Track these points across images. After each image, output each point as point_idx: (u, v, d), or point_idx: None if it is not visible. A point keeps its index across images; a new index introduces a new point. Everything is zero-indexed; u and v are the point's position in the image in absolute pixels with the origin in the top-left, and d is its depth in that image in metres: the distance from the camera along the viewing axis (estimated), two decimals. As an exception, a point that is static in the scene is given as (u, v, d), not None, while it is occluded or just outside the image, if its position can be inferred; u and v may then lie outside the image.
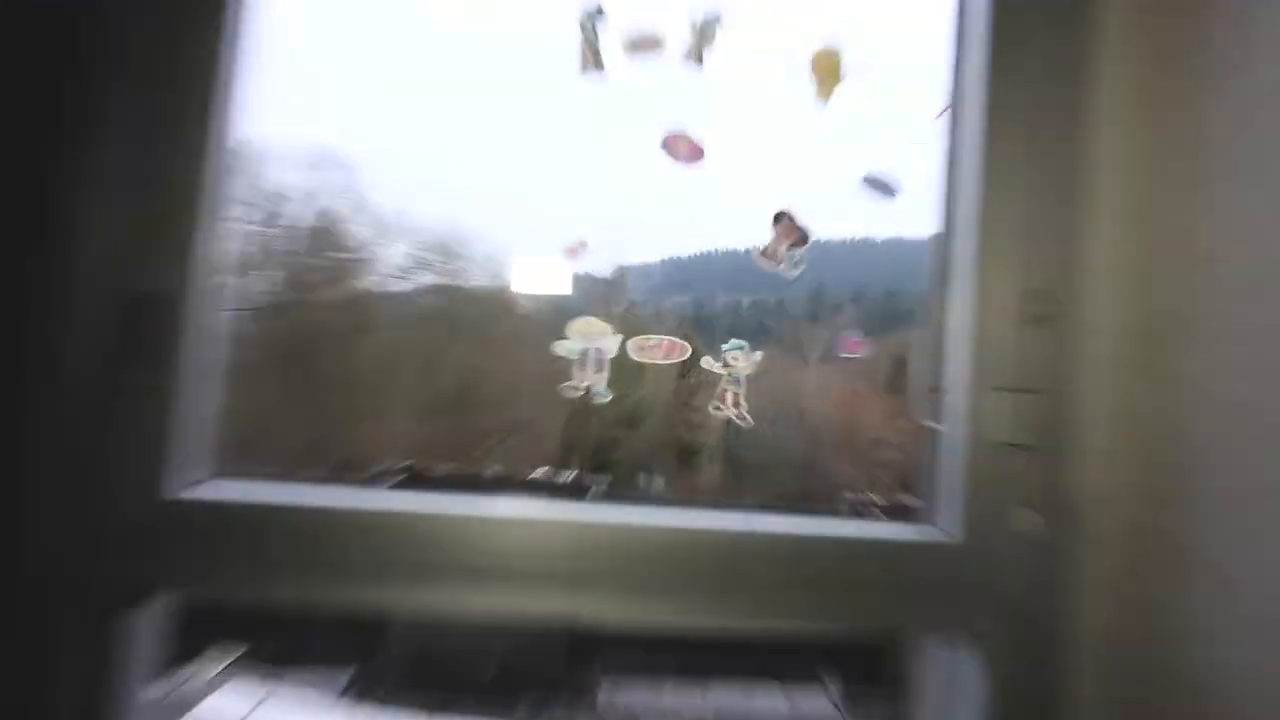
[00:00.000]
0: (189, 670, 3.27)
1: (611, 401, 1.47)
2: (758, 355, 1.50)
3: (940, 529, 1.42)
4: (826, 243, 1.52)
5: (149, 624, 1.39)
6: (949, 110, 1.53)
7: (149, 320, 1.32)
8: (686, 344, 1.50)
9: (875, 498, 3.50)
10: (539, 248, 1.63)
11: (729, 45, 1.48)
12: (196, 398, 1.37)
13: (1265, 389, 1.15)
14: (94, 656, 1.32)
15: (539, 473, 3.34)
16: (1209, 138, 1.29)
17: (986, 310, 1.43)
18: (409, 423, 4.08)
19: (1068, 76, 1.43)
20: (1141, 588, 1.30)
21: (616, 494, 3.37)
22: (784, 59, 1.50)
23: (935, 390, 1.52)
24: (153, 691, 1.36)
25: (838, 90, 1.49)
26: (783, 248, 1.48)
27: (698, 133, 1.48)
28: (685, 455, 4.57)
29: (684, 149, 1.46)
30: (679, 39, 1.48)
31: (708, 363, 1.51)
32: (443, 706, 3.51)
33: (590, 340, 1.46)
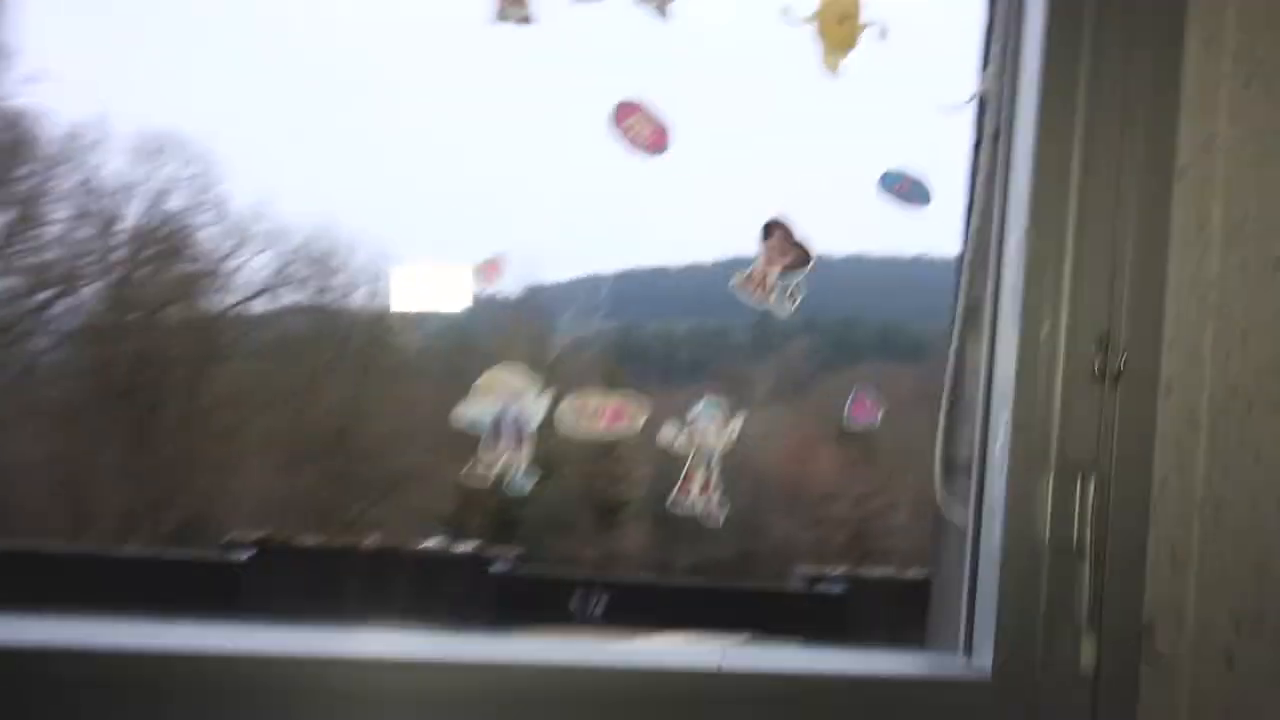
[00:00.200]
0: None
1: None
2: (737, 422, 1.24)
3: (966, 661, 1.29)
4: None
5: None
6: (980, 99, 1.32)
7: None
8: (641, 405, 1.23)
9: (832, 570, 3.32)
10: (435, 254, 1.37)
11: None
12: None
13: None
14: None
15: (431, 542, 3.04)
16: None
17: (1034, 362, 1.24)
18: (269, 475, 3.72)
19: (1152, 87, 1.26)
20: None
21: (529, 570, 3.08)
22: (780, 10, 1.24)
23: (953, 468, 1.34)
24: None
25: (849, 56, 1.25)
26: (774, 272, 1.23)
27: (659, 109, 1.21)
28: (607, 513, 4.31)
29: (642, 131, 1.19)
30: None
31: (669, 437, 1.24)
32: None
33: (507, 402, 1.18)
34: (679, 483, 1.23)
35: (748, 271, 1.24)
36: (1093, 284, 1.24)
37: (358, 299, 3.78)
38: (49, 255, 3.56)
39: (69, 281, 3.75)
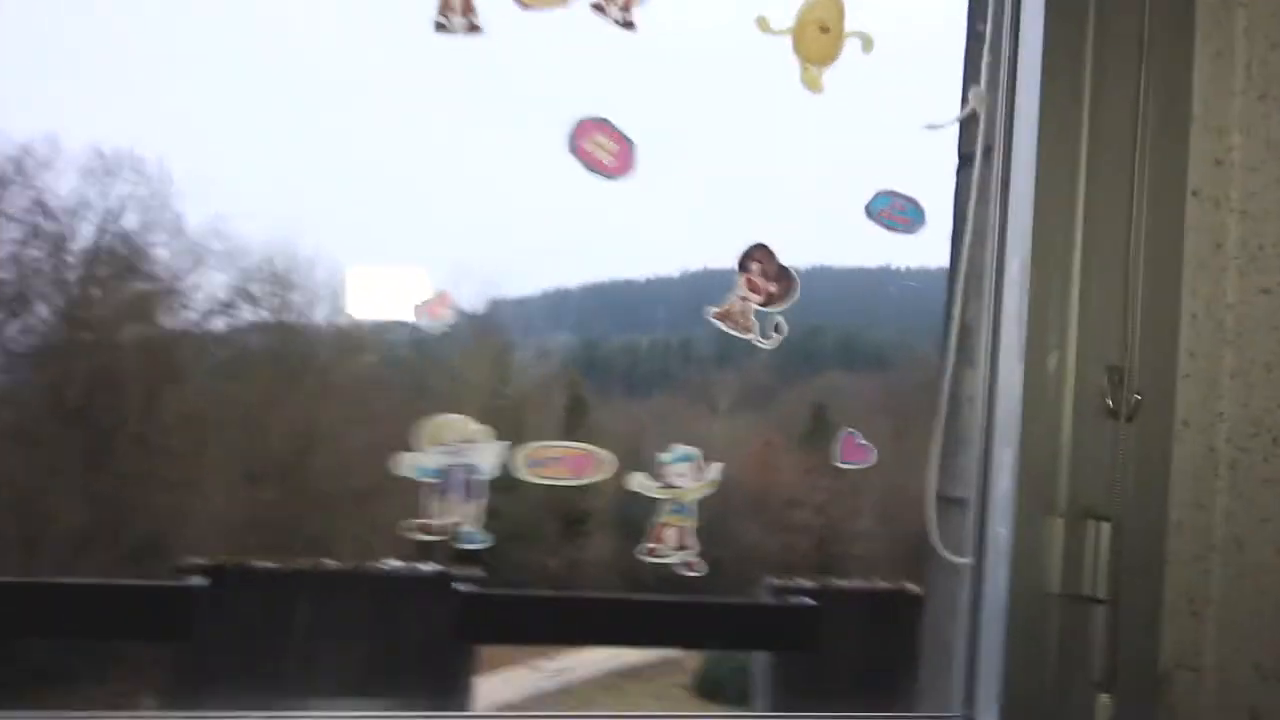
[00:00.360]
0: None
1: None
2: (715, 469, 1.08)
3: (967, 721, 1.14)
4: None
5: None
6: (974, 113, 1.18)
7: None
8: (607, 456, 1.06)
9: (802, 582, 3.16)
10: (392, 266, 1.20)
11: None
12: None
13: None
14: None
15: (391, 565, 2.85)
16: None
17: (1040, 396, 1.11)
18: (227, 497, 3.51)
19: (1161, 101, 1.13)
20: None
21: (493, 588, 2.90)
22: (755, 24, 1.09)
23: (949, 502, 1.20)
24: None
25: (829, 71, 1.10)
26: (753, 304, 1.07)
27: (623, 128, 1.04)
28: (570, 523, 4.14)
29: (605, 153, 1.02)
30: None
31: (639, 484, 1.07)
32: None
33: (456, 453, 1.01)
34: (650, 533, 1.07)
35: (724, 305, 1.08)
36: (1102, 312, 1.13)
37: (318, 315, 3.57)
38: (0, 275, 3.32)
39: (20, 302, 3.51)
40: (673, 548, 1.08)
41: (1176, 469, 1.11)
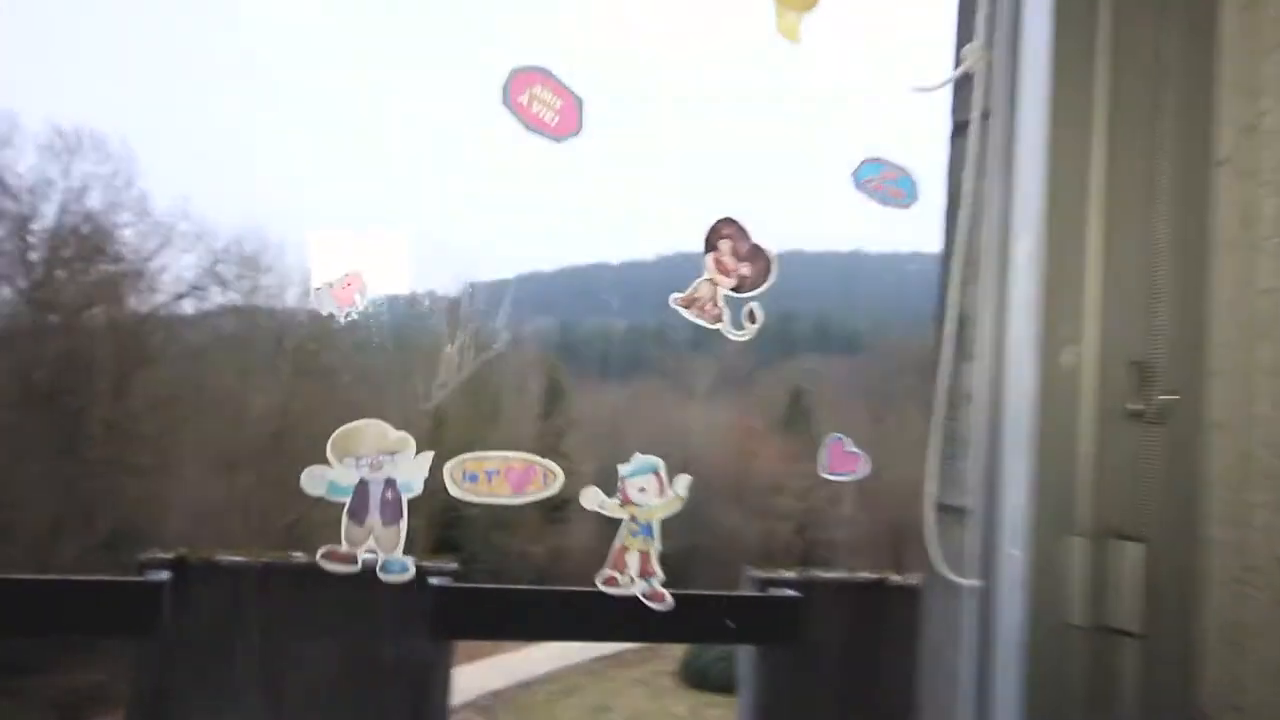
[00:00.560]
0: None
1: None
2: (682, 483, 0.90)
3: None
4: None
5: None
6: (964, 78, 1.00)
7: None
8: (552, 468, 0.88)
9: (783, 573, 3.00)
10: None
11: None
12: None
13: None
14: None
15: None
16: None
17: (1055, 397, 0.95)
18: (198, 483, 3.33)
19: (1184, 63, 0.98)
20: None
21: (469, 581, 2.72)
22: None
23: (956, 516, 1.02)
24: None
25: (808, 19, 0.91)
26: (721, 289, 0.89)
27: (565, 80, 0.85)
28: (550, 511, 3.97)
29: (546, 108, 0.83)
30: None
31: (595, 500, 0.89)
32: None
33: (372, 465, 0.83)
34: (609, 557, 0.89)
35: (691, 291, 0.90)
36: (1123, 300, 0.96)
37: (289, 298, 3.39)
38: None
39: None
40: (636, 574, 0.90)
41: (1209, 479, 0.94)
